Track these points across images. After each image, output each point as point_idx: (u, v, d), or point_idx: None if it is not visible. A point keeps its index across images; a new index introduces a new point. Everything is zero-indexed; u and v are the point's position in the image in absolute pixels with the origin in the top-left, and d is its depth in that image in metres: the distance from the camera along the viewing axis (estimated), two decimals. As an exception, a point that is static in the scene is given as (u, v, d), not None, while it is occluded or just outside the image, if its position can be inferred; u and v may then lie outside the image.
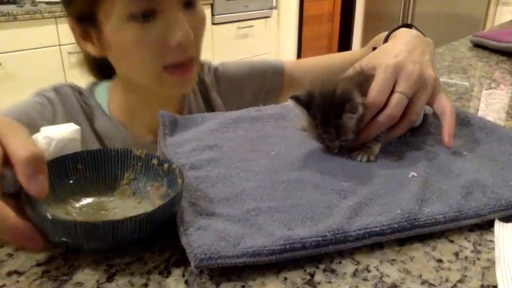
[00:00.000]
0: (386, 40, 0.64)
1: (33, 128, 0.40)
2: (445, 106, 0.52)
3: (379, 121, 0.49)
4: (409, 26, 0.64)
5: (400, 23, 0.85)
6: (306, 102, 0.48)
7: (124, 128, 0.72)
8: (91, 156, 0.43)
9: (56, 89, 0.71)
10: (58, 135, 0.40)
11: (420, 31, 0.62)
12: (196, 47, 0.65)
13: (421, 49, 0.55)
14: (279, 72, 0.88)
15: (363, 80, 0.51)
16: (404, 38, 0.58)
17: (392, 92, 0.50)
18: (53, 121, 0.66)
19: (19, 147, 0.33)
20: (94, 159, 0.43)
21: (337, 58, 0.89)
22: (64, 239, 0.33)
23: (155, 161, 0.43)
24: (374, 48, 0.69)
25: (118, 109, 0.73)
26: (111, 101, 0.73)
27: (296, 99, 0.48)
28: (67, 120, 0.66)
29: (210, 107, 0.82)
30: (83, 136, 0.45)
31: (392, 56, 0.52)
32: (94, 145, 0.70)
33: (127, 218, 0.33)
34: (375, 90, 0.49)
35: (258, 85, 0.87)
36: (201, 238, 0.34)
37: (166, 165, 0.42)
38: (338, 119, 0.46)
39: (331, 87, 0.48)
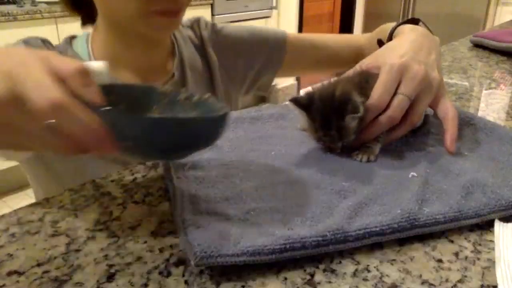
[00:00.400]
0: (391, 34, 0.63)
1: None
2: (448, 109, 0.52)
3: (380, 122, 0.49)
4: (416, 21, 0.63)
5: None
6: (306, 105, 0.48)
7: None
8: (122, 88, 0.44)
9: (25, 41, 0.69)
10: (103, 65, 0.42)
11: (427, 27, 0.61)
12: None
13: (427, 48, 0.55)
14: (280, 44, 0.85)
15: (364, 80, 0.51)
16: (410, 36, 0.57)
17: (395, 93, 0.49)
18: None
19: (66, 63, 0.34)
20: (124, 91, 0.43)
21: (343, 41, 0.87)
22: (129, 140, 0.34)
23: (182, 96, 0.44)
24: (379, 41, 0.69)
25: (102, 57, 0.70)
26: (95, 49, 0.70)
27: (296, 101, 0.48)
28: None
29: (205, 60, 0.81)
30: None
31: (397, 55, 0.51)
32: None
33: (196, 117, 0.36)
34: (378, 91, 0.49)
35: (255, 52, 0.85)
36: (201, 236, 0.34)
37: (196, 97, 0.44)
38: (340, 121, 0.46)
39: (331, 89, 0.48)
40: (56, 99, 0.31)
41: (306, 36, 0.90)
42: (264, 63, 0.85)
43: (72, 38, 0.73)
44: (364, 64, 0.54)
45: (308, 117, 0.48)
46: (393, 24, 0.65)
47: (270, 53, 0.85)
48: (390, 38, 0.63)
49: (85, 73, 0.34)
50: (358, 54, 0.81)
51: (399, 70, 0.50)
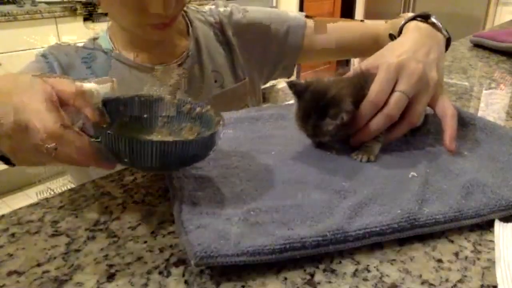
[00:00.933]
0: (400, 31, 0.63)
1: None
2: (447, 108, 0.51)
3: (377, 121, 0.48)
4: (426, 16, 0.62)
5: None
6: (300, 91, 0.48)
7: (127, 57, 0.74)
8: (129, 100, 0.47)
9: (50, 46, 0.75)
10: (98, 86, 0.44)
11: (437, 22, 0.61)
12: (178, 3, 0.66)
13: (427, 48, 0.54)
14: (299, 28, 0.85)
15: (363, 81, 0.51)
16: (412, 35, 0.57)
17: (393, 91, 0.49)
18: (51, 71, 0.71)
19: (63, 89, 0.40)
20: (132, 103, 0.47)
21: (362, 28, 0.86)
22: (124, 158, 0.38)
23: (187, 106, 0.48)
24: (390, 35, 0.70)
25: (119, 41, 0.76)
26: (113, 34, 0.76)
27: (292, 85, 0.49)
28: (64, 68, 0.72)
29: (226, 44, 0.83)
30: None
31: (395, 55, 0.51)
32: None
33: (177, 140, 0.40)
34: (375, 89, 0.49)
35: (273, 35, 0.85)
36: (201, 236, 0.34)
37: (198, 109, 0.47)
38: (319, 120, 0.46)
39: (327, 87, 0.48)
40: (50, 128, 0.37)
41: (327, 20, 0.88)
42: (283, 47, 0.85)
43: (95, 39, 0.79)
44: (364, 64, 0.54)
45: (298, 103, 0.49)
46: (409, 15, 0.64)
47: (289, 36, 0.85)
48: (399, 34, 0.63)
49: (80, 95, 0.40)
50: (377, 43, 0.79)
51: (396, 68, 0.50)
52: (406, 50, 0.52)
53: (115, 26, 0.76)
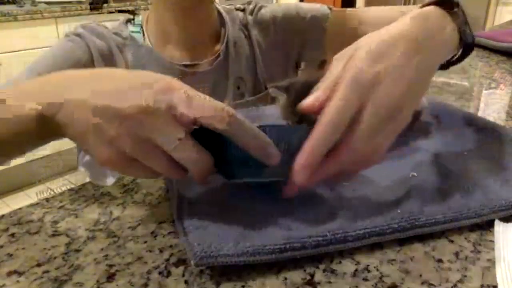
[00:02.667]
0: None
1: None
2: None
3: (325, 169, 0.37)
4: (452, 3, 0.46)
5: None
6: (287, 87, 0.48)
7: (158, 52, 0.75)
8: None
9: (83, 26, 0.74)
10: None
11: (461, 16, 0.46)
12: None
13: (418, 53, 0.40)
14: (320, 22, 0.81)
15: None
16: (410, 27, 0.41)
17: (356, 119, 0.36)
18: (88, 54, 0.70)
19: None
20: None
21: (389, 16, 0.73)
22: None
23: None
24: None
25: (153, 34, 0.77)
26: (148, 28, 0.77)
27: (276, 86, 0.49)
28: (101, 51, 0.71)
29: (250, 43, 0.83)
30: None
31: (372, 57, 0.38)
32: None
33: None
34: (326, 119, 0.35)
35: (294, 31, 0.83)
36: (201, 236, 0.34)
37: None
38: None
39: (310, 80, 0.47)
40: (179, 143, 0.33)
41: (352, 12, 0.82)
42: (304, 42, 0.84)
43: (129, 20, 0.79)
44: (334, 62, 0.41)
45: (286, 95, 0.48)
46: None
47: (309, 31, 0.83)
48: None
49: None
50: None
51: (367, 84, 0.36)
52: (391, 55, 0.38)
53: (151, 18, 0.77)
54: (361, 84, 0.36)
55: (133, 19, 0.79)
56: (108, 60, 0.72)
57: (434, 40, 0.42)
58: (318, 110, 0.36)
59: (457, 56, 0.49)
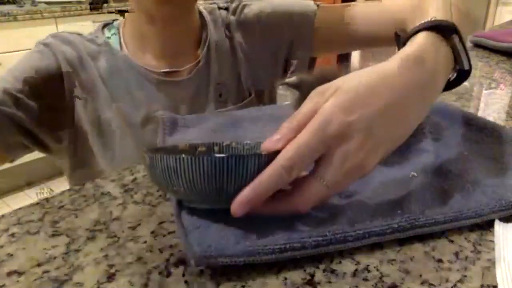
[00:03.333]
0: (404, 44, 0.44)
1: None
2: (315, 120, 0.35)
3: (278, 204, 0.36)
4: (448, 30, 0.43)
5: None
6: (297, 84, 0.48)
7: (135, 60, 0.72)
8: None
9: (54, 35, 0.73)
10: None
11: (459, 45, 0.43)
12: None
13: (403, 109, 0.37)
14: (307, 19, 0.77)
15: None
16: (404, 70, 0.38)
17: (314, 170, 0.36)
18: (55, 63, 0.68)
19: None
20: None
21: (383, 14, 0.73)
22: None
23: (201, 148, 0.42)
24: (396, 34, 0.52)
25: (131, 41, 0.74)
26: (125, 34, 0.74)
27: (286, 83, 0.48)
28: (69, 60, 0.69)
29: (231, 43, 0.79)
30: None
31: (349, 107, 0.35)
32: (98, 84, 0.71)
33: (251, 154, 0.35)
34: (293, 147, 0.34)
35: (281, 29, 0.80)
36: (201, 236, 0.34)
37: (216, 148, 0.42)
38: None
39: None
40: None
41: (340, 8, 0.79)
42: (293, 40, 0.81)
43: (106, 25, 0.77)
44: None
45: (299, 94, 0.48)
46: (430, 13, 0.47)
47: (297, 28, 0.79)
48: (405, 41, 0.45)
49: None
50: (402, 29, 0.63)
51: (337, 133, 0.34)
52: (368, 105, 0.35)
53: (129, 23, 0.74)
54: (327, 135, 0.34)
55: (112, 23, 0.76)
56: (77, 68, 0.70)
57: (424, 91, 0.39)
58: (282, 149, 0.35)
59: (450, 80, 0.47)
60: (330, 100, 0.35)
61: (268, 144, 0.35)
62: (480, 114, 0.69)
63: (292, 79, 0.48)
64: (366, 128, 0.35)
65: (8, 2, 2.66)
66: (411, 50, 0.41)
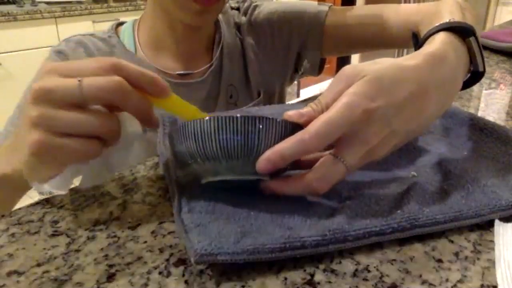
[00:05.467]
0: (422, 43, 0.45)
1: None
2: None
3: (295, 181, 0.38)
4: (465, 31, 0.44)
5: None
6: None
7: (150, 61, 0.71)
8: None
9: (67, 40, 0.72)
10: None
11: (475, 47, 0.44)
12: None
13: (425, 102, 0.38)
14: (317, 20, 0.78)
15: None
16: (425, 65, 0.39)
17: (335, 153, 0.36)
18: None
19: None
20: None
21: (395, 15, 0.72)
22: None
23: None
24: (413, 34, 0.55)
25: (146, 43, 0.73)
26: (140, 36, 0.74)
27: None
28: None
29: (242, 44, 0.79)
30: None
31: (377, 93, 0.36)
32: None
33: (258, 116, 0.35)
34: (323, 120, 0.34)
35: (291, 30, 0.80)
36: (201, 234, 0.34)
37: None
38: None
39: None
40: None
41: (352, 9, 0.79)
42: (303, 41, 0.81)
43: (119, 24, 0.76)
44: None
45: None
46: (446, 14, 0.48)
47: (308, 30, 0.80)
48: (423, 42, 0.46)
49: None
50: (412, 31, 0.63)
51: (364, 116, 0.35)
52: (393, 93, 0.36)
53: (145, 26, 0.73)
54: (352, 116, 0.35)
55: (125, 23, 0.76)
56: None
57: (444, 88, 0.40)
58: (305, 123, 0.37)
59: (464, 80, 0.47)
60: (356, 86, 0.36)
61: (292, 113, 0.38)
62: (480, 114, 0.69)
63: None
64: (386, 117, 0.36)
65: (8, 2, 2.66)
66: (433, 48, 0.41)
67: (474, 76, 0.47)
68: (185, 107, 0.42)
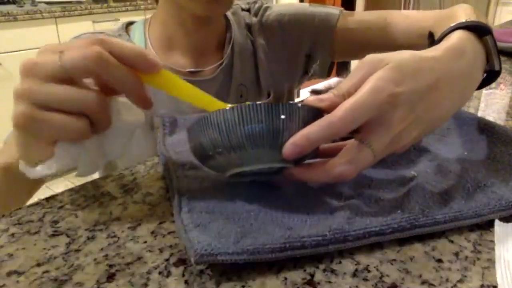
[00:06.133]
0: (439, 41, 0.45)
1: None
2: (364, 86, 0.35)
3: (322, 169, 0.37)
4: (482, 30, 0.44)
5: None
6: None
7: (160, 59, 0.72)
8: None
9: (76, 37, 0.72)
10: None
11: (492, 46, 0.45)
12: None
13: (443, 94, 0.38)
14: (328, 24, 0.78)
15: None
16: (443, 61, 0.39)
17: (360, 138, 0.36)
18: None
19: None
20: None
21: (406, 22, 0.73)
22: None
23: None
24: (430, 34, 0.56)
25: (157, 40, 0.73)
26: (151, 34, 0.74)
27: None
28: None
29: (253, 45, 0.80)
30: None
31: (403, 78, 0.36)
32: None
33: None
34: (348, 108, 0.34)
35: (301, 33, 0.80)
36: (201, 234, 0.34)
37: None
38: None
39: None
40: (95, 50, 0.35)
41: (363, 14, 0.80)
42: (313, 44, 0.81)
43: (130, 24, 0.77)
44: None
45: None
46: (461, 15, 0.49)
47: (318, 33, 0.80)
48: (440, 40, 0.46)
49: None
50: (422, 37, 0.64)
51: (391, 100, 0.35)
52: (416, 80, 0.36)
53: (155, 23, 0.74)
54: (378, 100, 0.35)
55: (133, 23, 0.77)
56: None
57: (463, 82, 0.41)
58: (326, 108, 0.37)
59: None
60: (381, 71, 0.36)
61: (312, 99, 0.37)
62: (480, 114, 0.69)
63: (319, 87, 0.48)
64: (411, 102, 0.36)
65: (8, 2, 2.66)
66: (452, 42, 0.42)
67: (490, 76, 0.48)
68: (177, 84, 0.41)
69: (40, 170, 0.39)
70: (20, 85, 0.36)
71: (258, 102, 0.35)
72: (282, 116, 0.35)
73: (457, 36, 0.43)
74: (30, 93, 0.36)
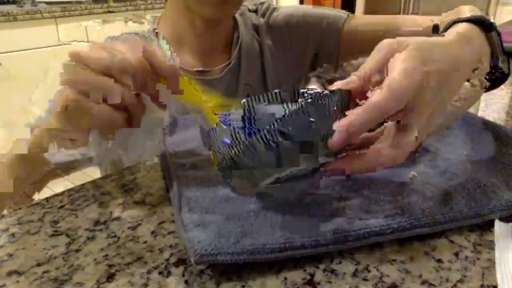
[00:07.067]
0: (447, 27, 0.46)
1: None
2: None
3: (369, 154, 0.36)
4: (486, 24, 0.45)
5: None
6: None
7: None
8: None
9: (111, 37, 0.74)
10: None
11: (497, 40, 0.46)
12: None
13: (455, 77, 0.39)
14: (335, 27, 0.79)
15: None
16: (455, 46, 0.40)
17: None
18: None
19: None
20: None
21: (411, 25, 0.74)
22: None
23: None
24: (435, 27, 0.56)
25: (166, 37, 0.74)
26: (159, 34, 0.75)
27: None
28: None
29: (260, 46, 0.81)
30: None
31: (428, 57, 0.36)
32: None
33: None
34: (391, 87, 0.34)
35: (308, 35, 0.81)
36: (201, 234, 0.34)
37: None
38: None
39: None
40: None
41: (368, 18, 0.81)
42: (319, 46, 0.82)
43: (155, 29, 0.78)
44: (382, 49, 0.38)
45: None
46: (467, 12, 0.50)
47: (325, 35, 0.81)
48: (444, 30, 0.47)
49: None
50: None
51: (419, 81, 0.34)
52: (438, 60, 0.36)
53: (164, 23, 0.75)
54: (414, 81, 0.34)
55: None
56: None
57: (468, 68, 0.42)
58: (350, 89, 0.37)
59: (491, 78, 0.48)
60: (406, 52, 0.35)
61: (337, 83, 0.38)
62: (480, 114, 0.69)
63: (324, 75, 0.47)
64: (438, 82, 0.36)
65: (8, 2, 2.66)
66: (460, 31, 0.42)
67: (498, 78, 0.49)
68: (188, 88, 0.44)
69: (60, 156, 0.42)
70: (69, 74, 0.39)
71: (304, 100, 0.34)
72: (319, 113, 0.33)
73: (463, 27, 0.44)
74: (79, 81, 0.39)
